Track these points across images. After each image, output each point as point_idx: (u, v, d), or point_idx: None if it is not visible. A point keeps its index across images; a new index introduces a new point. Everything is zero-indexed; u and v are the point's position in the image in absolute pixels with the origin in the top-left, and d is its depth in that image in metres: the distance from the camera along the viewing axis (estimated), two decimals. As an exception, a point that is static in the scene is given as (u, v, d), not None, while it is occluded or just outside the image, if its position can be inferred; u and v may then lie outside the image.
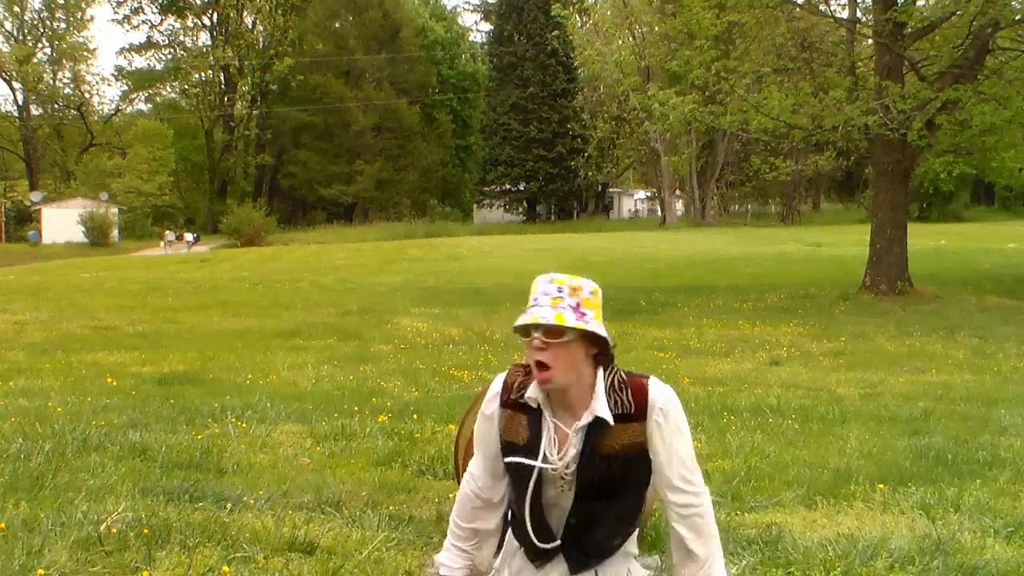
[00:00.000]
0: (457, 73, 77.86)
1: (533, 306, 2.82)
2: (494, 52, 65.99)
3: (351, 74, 69.90)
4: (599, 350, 2.87)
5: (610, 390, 2.88)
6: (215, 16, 74.11)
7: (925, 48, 18.49)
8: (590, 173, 61.91)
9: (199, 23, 76.19)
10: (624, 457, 2.88)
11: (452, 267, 28.39)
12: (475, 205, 70.00)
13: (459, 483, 3.22)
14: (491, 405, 3.02)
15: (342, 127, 68.39)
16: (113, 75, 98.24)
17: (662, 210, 62.07)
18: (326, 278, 24.34)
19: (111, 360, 10.03)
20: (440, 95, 74.69)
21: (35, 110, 72.73)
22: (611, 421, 2.84)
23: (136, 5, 75.05)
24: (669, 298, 17.47)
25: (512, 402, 2.96)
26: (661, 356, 10.68)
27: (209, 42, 74.53)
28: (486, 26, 79.46)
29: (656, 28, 30.65)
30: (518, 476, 2.95)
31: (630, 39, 48.62)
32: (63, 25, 74.12)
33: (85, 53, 74.91)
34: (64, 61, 74.08)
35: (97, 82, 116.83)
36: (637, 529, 3.15)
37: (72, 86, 74.90)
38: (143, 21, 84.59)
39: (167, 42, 76.20)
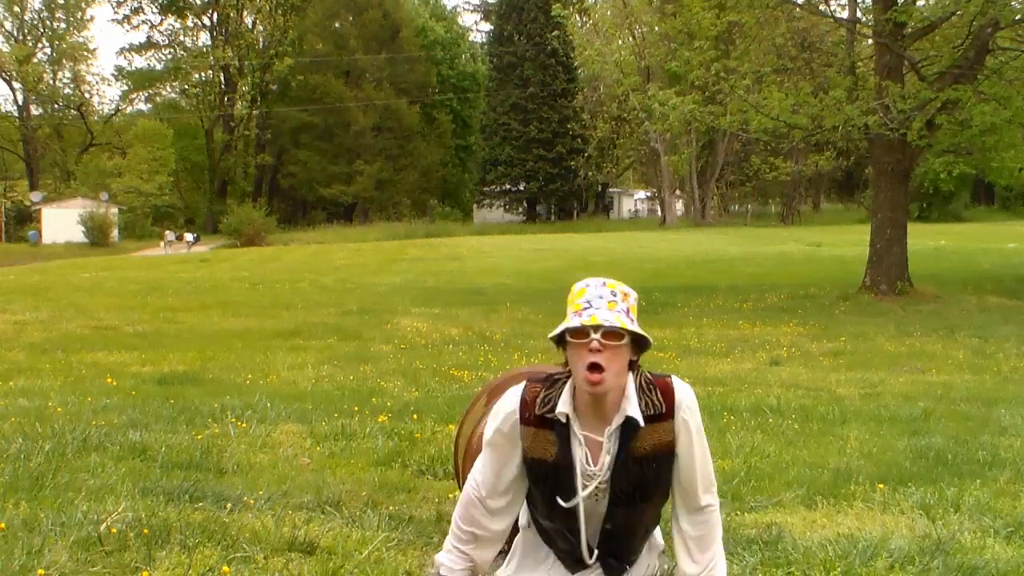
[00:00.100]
0: (457, 73, 77.85)
1: (587, 308, 2.80)
2: (494, 52, 65.99)
3: (351, 74, 69.90)
4: (637, 356, 2.89)
5: (640, 391, 2.89)
6: (215, 16, 74.11)
7: (925, 48, 18.49)
8: (590, 173, 61.91)
9: (199, 23, 76.26)
10: (655, 457, 2.88)
11: (452, 267, 28.38)
12: (475, 205, 70.00)
13: (459, 483, 3.22)
14: (507, 422, 2.96)
15: (342, 127, 68.38)
16: (113, 75, 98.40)
17: (662, 210, 62.08)
18: (326, 278, 24.33)
19: (111, 360, 10.03)
20: (440, 95, 74.68)
21: (35, 110, 72.72)
22: (642, 422, 2.85)
23: (136, 5, 75.13)
24: (669, 298, 17.47)
25: (535, 419, 2.92)
26: (661, 356, 10.66)
27: (209, 42, 74.55)
28: (486, 26, 79.53)
29: (656, 28, 30.63)
30: (557, 496, 2.92)
31: (630, 39, 48.57)
32: (63, 25, 74.15)
33: (85, 53, 74.98)
34: (64, 61, 74.08)
35: (97, 82, 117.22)
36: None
37: (72, 86, 74.96)
38: (143, 21, 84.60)
39: (167, 42, 76.30)
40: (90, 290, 20.15)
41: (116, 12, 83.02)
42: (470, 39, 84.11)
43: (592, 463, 2.88)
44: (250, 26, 74.42)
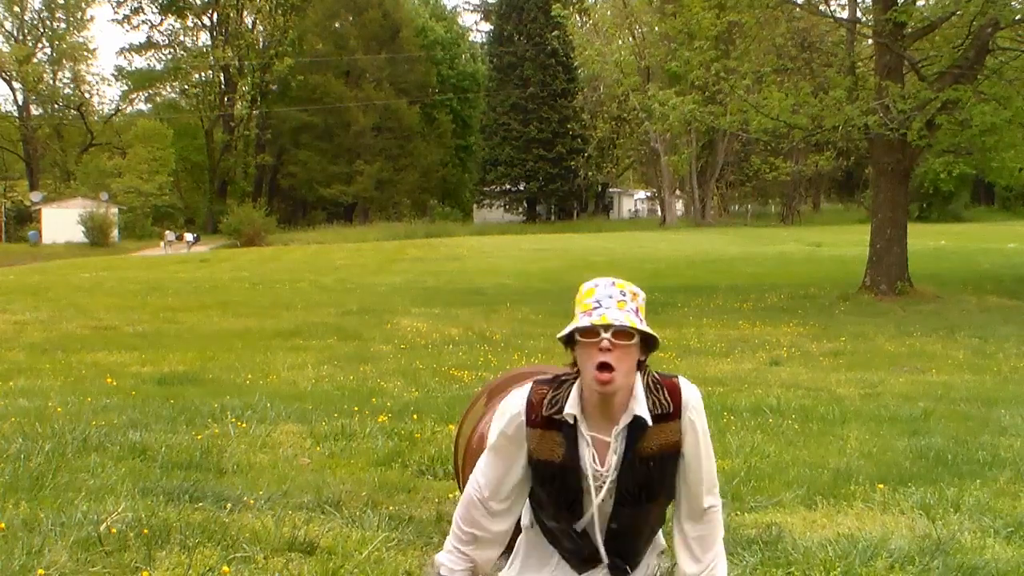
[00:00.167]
0: (457, 73, 77.84)
1: (597, 308, 2.80)
2: (494, 52, 65.98)
3: (351, 74, 69.89)
4: (646, 356, 2.90)
5: (648, 391, 2.89)
6: (215, 16, 74.09)
7: (925, 48, 18.49)
8: (590, 173, 61.90)
9: (199, 23, 76.25)
10: (661, 457, 2.88)
11: (452, 267, 28.38)
12: (475, 205, 69.99)
13: (459, 483, 3.22)
14: (512, 424, 2.95)
15: (342, 127, 68.37)
16: (113, 75, 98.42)
17: (662, 210, 62.06)
18: (326, 278, 24.33)
19: (111, 360, 10.03)
20: (440, 95, 74.66)
21: (35, 110, 72.70)
22: (650, 421, 2.85)
23: (136, 5, 75.12)
24: (669, 298, 17.46)
25: (542, 420, 2.92)
26: (661, 356, 10.65)
27: (209, 42, 74.52)
28: (486, 26, 79.52)
29: (656, 28, 30.61)
30: (566, 498, 2.93)
31: (630, 39, 48.56)
32: (63, 25, 74.12)
33: (85, 53, 74.92)
34: (64, 61, 74.04)
35: (97, 82, 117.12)
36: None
37: (72, 86, 74.91)
38: (143, 21, 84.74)
39: (167, 42, 76.27)
40: (90, 290, 20.15)
41: (116, 12, 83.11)
42: (470, 39, 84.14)
43: (599, 463, 2.88)
44: (250, 26, 74.41)
